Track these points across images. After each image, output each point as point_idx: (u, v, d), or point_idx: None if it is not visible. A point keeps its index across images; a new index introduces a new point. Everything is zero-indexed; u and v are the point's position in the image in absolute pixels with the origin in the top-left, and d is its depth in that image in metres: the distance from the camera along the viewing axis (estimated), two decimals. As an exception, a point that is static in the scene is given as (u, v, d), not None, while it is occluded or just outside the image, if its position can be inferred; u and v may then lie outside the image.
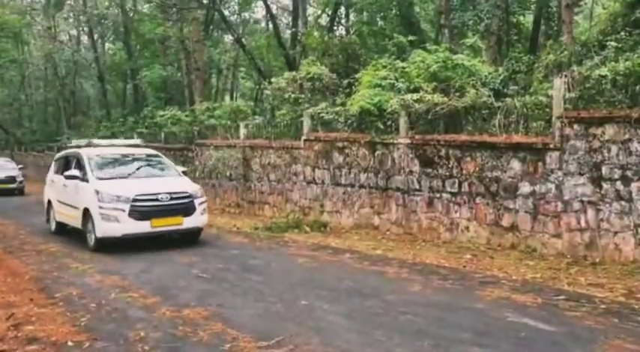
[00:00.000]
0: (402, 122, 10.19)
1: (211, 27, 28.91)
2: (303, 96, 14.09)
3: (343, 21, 25.57)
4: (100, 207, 9.06)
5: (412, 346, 4.67)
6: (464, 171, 9.21)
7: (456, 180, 9.34)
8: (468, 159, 9.14)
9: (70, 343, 4.89)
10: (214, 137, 16.37)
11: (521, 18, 19.51)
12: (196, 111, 18.73)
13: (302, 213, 12.38)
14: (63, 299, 6.33)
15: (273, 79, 15.99)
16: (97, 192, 9.22)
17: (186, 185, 10.06)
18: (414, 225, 10.05)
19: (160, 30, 26.13)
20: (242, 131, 15.01)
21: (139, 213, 9.03)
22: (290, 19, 26.59)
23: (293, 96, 14.19)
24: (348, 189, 11.34)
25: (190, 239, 9.93)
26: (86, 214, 9.47)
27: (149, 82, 28.50)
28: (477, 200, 9.03)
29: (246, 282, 6.98)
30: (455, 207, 9.37)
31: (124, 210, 8.97)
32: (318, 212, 12.06)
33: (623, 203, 7.33)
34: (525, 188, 8.36)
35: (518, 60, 11.68)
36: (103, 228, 9.07)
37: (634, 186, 7.24)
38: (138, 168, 10.44)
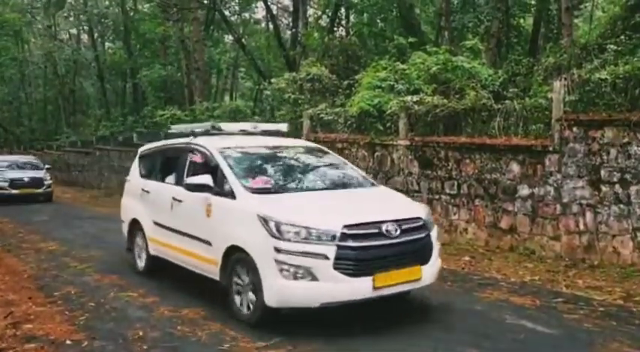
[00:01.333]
0: (402, 124, 10.20)
1: (212, 27, 28.92)
2: (302, 96, 14.10)
3: (343, 22, 25.55)
4: (277, 250, 4.89)
5: (410, 347, 4.68)
6: (463, 173, 9.22)
7: (455, 182, 9.35)
8: (467, 161, 9.15)
9: (68, 342, 4.89)
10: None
11: (522, 20, 19.54)
12: (196, 111, 18.75)
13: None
14: (62, 297, 6.34)
15: (273, 80, 16.01)
16: (266, 221, 5.02)
17: (409, 203, 6.11)
18: (412, 226, 10.03)
19: (160, 29, 26.13)
20: (242, 131, 14.98)
21: (354, 261, 4.85)
22: (290, 19, 26.59)
23: (293, 96, 14.20)
24: (348, 190, 11.31)
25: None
26: (230, 256, 5.44)
27: (149, 81, 28.49)
28: (476, 202, 9.04)
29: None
30: (454, 208, 9.38)
31: (326, 257, 4.80)
32: (317, 213, 12.01)
33: (621, 206, 7.34)
34: (524, 190, 8.37)
35: (518, 62, 11.72)
36: (284, 291, 4.90)
37: (633, 189, 7.25)
38: (311, 174, 6.38)
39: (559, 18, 15.37)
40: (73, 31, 38.78)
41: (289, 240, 4.91)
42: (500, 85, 10.93)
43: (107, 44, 37.27)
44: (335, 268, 4.81)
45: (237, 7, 31.37)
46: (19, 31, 34.53)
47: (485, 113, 9.31)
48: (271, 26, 27.03)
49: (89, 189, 22.71)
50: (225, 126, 7.24)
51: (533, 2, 18.64)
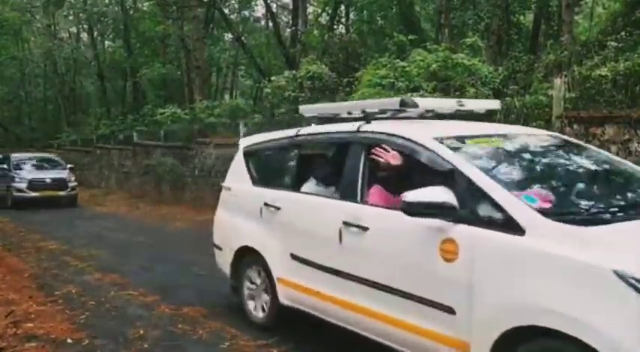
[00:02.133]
0: (402, 121, 10.16)
1: (211, 25, 28.88)
2: (302, 94, 14.07)
3: (343, 20, 25.55)
4: None
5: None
6: (463, 171, 9.18)
7: (456, 180, 9.31)
8: (468, 158, 9.11)
9: (69, 340, 4.89)
10: (214, 135, 16.39)
11: (522, 17, 19.51)
12: (196, 109, 18.74)
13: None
14: (62, 296, 6.34)
15: (272, 78, 15.97)
16: None
17: None
18: (413, 224, 9.99)
19: (160, 28, 26.10)
20: (241, 129, 14.99)
21: None
22: (290, 17, 26.57)
23: (293, 94, 14.17)
24: (348, 187, 11.24)
25: None
26: (514, 344, 2.84)
27: (149, 79, 28.47)
28: (477, 199, 8.99)
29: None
30: (454, 206, 9.33)
31: None
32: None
33: (622, 203, 7.33)
34: (525, 187, 8.34)
35: (518, 59, 11.68)
36: None
37: (633, 186, 7.24)
38: (599, 184, 3.83)
39: (559, 15, 15.34)
40: (73, 29, 38.68)
41: None
42: (500, 82, 10.91)
43: (107, 43, 37.23)
44: None
45: (236, 5, 31.34)
46: (18, 30, 34.48)
47: (486, 110, 9.27)
48: (271, 24, 27.02)
49: (89, 188, 22.68)
50: (421, 102, 4.58)
51: (533, -1, 18.61)
